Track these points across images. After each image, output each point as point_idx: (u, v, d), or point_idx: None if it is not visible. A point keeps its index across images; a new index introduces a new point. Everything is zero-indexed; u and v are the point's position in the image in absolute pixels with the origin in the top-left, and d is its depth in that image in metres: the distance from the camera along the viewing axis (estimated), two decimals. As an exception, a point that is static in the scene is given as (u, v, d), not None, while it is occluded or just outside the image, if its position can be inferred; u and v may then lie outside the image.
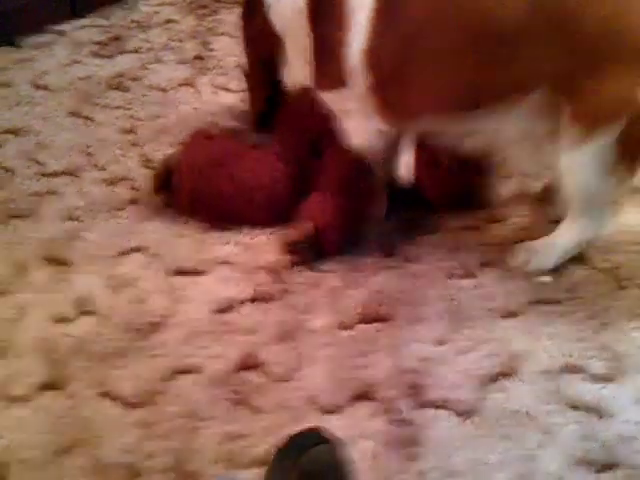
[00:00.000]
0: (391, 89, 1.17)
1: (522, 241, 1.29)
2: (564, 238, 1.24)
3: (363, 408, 1.05)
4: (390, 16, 1.11)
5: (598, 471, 0.97)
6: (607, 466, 0.98)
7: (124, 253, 1.30)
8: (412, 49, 1.12)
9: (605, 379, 1.09)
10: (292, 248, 1.26)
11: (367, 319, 1.18)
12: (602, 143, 1.07)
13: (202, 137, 1.42)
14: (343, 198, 1.26)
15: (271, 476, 0.75)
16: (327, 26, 1.16)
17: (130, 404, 1.05)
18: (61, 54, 1.94)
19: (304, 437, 0.76)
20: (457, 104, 1.16)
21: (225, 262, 1.28)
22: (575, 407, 1.05)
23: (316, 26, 1.17)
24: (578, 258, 1.28)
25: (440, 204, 1.36)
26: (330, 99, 1.25)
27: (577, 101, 1.07)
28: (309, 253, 1.26)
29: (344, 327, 1.16)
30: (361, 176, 1.27)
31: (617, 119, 1.05)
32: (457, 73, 1.12)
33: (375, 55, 1.14)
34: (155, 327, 1.16)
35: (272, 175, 1.33)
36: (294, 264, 1.27)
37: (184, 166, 1.34)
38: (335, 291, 1.23)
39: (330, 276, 1.26)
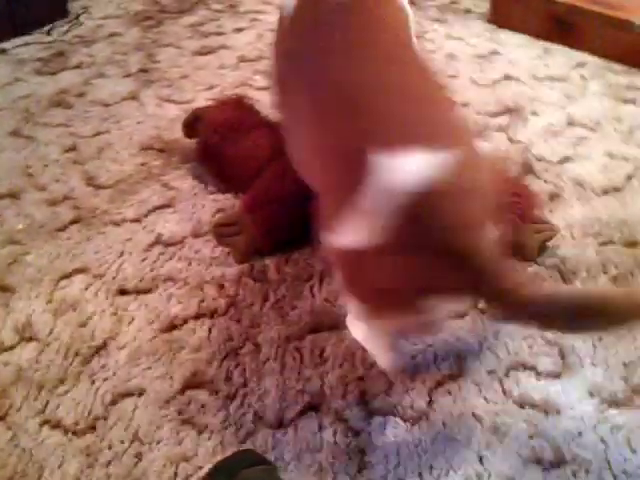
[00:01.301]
0: None
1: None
2: None
3: (311, 420, 1.03)
4: None
5: (546, 469, 0.97)
6: (556, 463, 0.98)
7: (66, 276, 1.27)
8: None
9: (552, 375, 1.09)
10: (218, 230, 1.31)
11: (315, 329, 1.17)
12: None
13: (232, 102, 1.56)
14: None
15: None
16: None
17: (72, 432, 1.02)
18: (2, 73, 1.90)
19: (234, 460, 0.74)
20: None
21: (169, 279, 1.25)
22: (523, 405, 1.05)
23: None
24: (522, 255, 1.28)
25: None
26: None
27: None
28: (238, 239, 1.29)
29: (292, 339, 1.15)
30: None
31: None
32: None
33: None
34: (97, 350, 1.13)
35: (270, 149, 1.39)
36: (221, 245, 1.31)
37: (206, 120, 1.48)
38: (283, 302, 1.21)
39: (277, 287, 1.24)
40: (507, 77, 1.88)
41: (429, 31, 2.13)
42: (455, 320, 1.17)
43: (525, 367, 1.10)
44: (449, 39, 2.09)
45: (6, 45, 2.03)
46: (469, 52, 2.02)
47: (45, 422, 1.03)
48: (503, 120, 1.69)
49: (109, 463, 0.98)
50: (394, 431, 1.01)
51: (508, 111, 1.73)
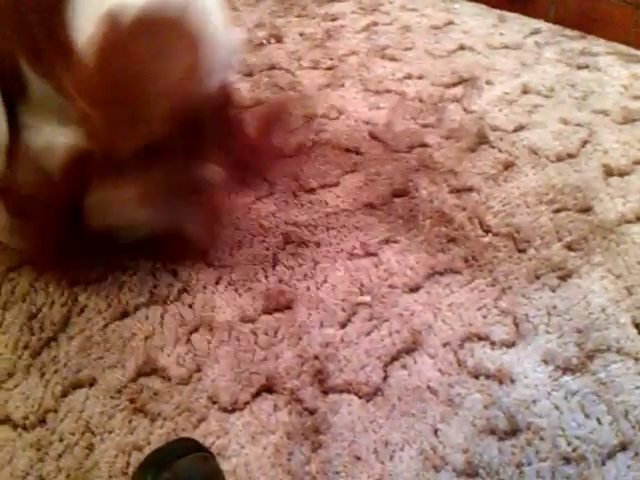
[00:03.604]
0: None
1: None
2: None
3: (266, 402, 1.02)
4: None
5: (502, 439, 0.97)
6: (510, 432, 0.98)
7: (14, 268, 1.24)
8: None
9: (506, 345, 1.09)
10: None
11: (269, 310, 1.15)
12: None
13: None
14: None
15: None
16: None
17: (22, 426, 1.00)
18: None
19: (168, 450, 0.73)
20: None
21: (120, 267, 1.23)
22: (477, 376, 1.05)
23: None
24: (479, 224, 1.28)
25: None
26: None
27: None
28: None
29: (245, 321, 1.14)
30: None
31: None
32: None
33: None
34: (47, 342, 1.11)
35: None
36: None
37: None
38: (236, 285, 1.20)
39: (231, 270, 1.22)
40: (462, 47, 1.87)
41: (384, 3, 2.10)
42: (409, 293, 1.17)
43: (479, 337, 1.10)
44: (404, 11, 2.07)
45: None
46: (424, 23, 2.00)
47: (-7, 418, 1.01)
48: (458, 91, 1.68)
49: (60, 456, 0.96)
50: (349, 408, 1.01)
51: (463, 81, 1.72)
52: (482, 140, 1.51)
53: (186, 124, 0.93)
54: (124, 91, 0.90)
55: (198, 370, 1.07)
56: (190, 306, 1.16)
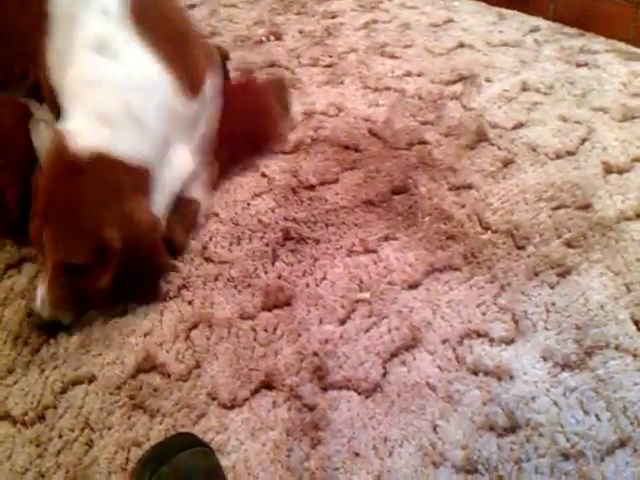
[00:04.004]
0: None
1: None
2: None
3: (265, 398, 1.02)
4: None
5: (501, 435, 0.97)
6: (510, 429, 0.98)
7: (14, 265, 1.24)
8: None
9: (505, 342, 1.09)
10: None
11: (268, 306, 1.15)
12: None
13: None
14: None
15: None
16: None
17: (21, 422, 1.00)
18: None
19: (167, 445, 0.73)
20: None
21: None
22: (476, 372, 1.05)
23: None
24: (478, 221, 1.28)
25: None
26: None
27: None
28: None
29: (245, 317, 1.14)
30: None
31: None
32: None
33: None
34: (47, 339, 1.11)
35: None
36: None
37: None
38: (235, 281, 1.20)
39: (230, 267, 1.22)
40: (461, 45, 1.86)
41: (383, 1, 2.10)
42: (408, 290, 1.17)
43: (479, 334, 1.10)
44: (403, 8, 2.07)
45: None
46: (424, 21, 1.99)
47: (-6, 414, 1.01)
48: (457, 88, 1.68)
49: (59, 452, 0.96)
50: (348, 405, 1.01)
51: (462, 79, 1.71)
52: (481, 137, 1.51)
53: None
54: (66, 215, 1.04)
55: (197, 366, 1.07)
56: (189, 302, 1.16)
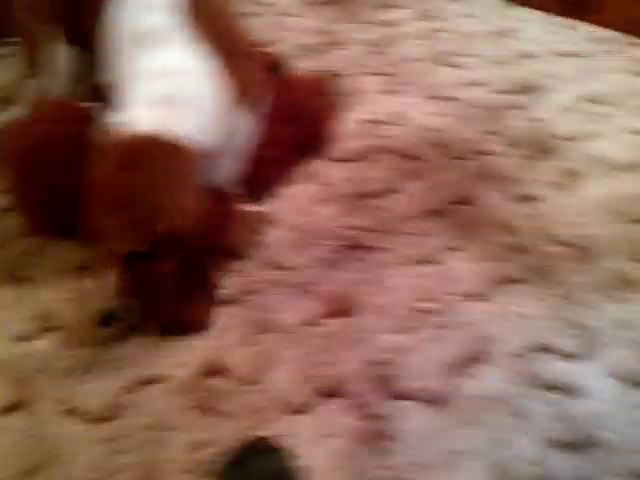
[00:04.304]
0: None
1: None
2: None
3: (332, 405, 1.03)
4: None
5: (572, 453, 0.96)
6: (580, 447, 0.97)
7: (85, 266, 1.27)
8: None
9: (574, 357, 1.08)
10: None
11: (332, 314, 1.16)
12: None
13: None
14: None
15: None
16: None
17: (96, 419, 1.03)
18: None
19: (245, 448, 0.74)
20: None
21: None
22: (547, 387, 1.04)
23: None
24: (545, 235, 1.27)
25: None
26: None
27: None
28: None
29: (309, 324, 1.14)
30: None
31: None
32: None
33: None
34: (118, 338, 1.13)
35: None
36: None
37: None
38: (299, 288, 1.21)
39: (293, 273, 1.23)
40: (524, 55, 1.85)
41: (444, 9, 2.09)
42: (474, 302, 1.16)
43: (548, 349, 1.09)
44: (464, 17, 2.06)
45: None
46: (485, 30, 1.98)
47: (67, 411, 1.04)
48: (521, 98, 1.66)
49: (132, 450, 0.98)
50: (415, 416, 1.01)
51: (526, 89, 1.70)
52: (547, 149, 1.49)
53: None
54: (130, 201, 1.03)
55: (264, 371, 1.08)
56: (254, 307, 1.17)
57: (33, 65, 1.42)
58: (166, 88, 1.10)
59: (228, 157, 1.23)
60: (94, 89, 1.46)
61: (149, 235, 1.03)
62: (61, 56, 1.40)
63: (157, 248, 1.04)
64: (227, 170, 1.24)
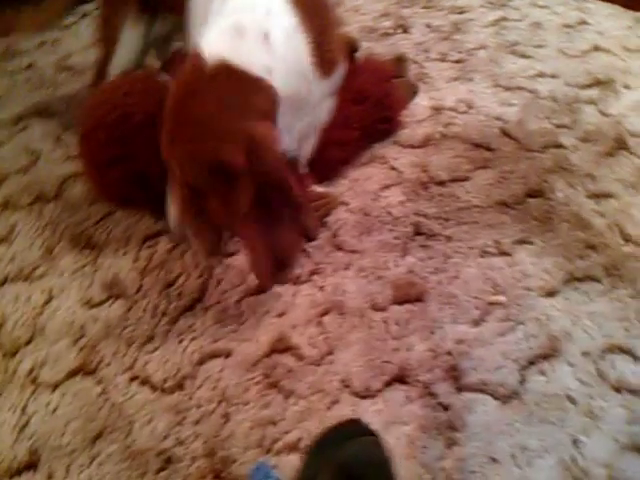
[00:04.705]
0: None
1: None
2: None
3: (398, 392, 1.02)
4: None
5: (647, 457, 0.93)
6: (657, 452, 0.94)
7: (152, 235, 1.28)
8: None
9: (650, 360, 1.04)
10: None
11: (399, 300, 1.14)
12: None
13: None
14: None
15: (307, 468, 0.71)
16: None
17: (161, 389, 1.03)
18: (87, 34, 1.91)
19: (343, 429, 0.73)
20: None
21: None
22: (619, 390, 1.01)
23: None
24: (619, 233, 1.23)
25: None
26: None
27: None
28: None
29: (376, 309, 1.13)
30: None
31: None
32: None
33: None
34: (184, 311, 1.14)
35: None
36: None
37: None
38: (366, 272, 1.19)
39: (360, 257, 1.22)
40: (597, 48, 1.79)
41: (514, -1, 2.04)
42: (546, 297, 1.13)
43: (621, 350, 1.06)
44: (534, 7, 2.00)
45: (88, 7, 2.04)
46: (556, 21, 1.92)
47: (134, 378, 1.05)
48: (593, 92, 1.61)
49: (197, 422, 0.99)
50: (484, 409, 0.99)
51: (599, 83, 1.64)
52: (621, 145, 1.44)
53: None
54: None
55: (330, 352, 1.07)
56: (321, 288, 1.17)
57: (108, 35, 1.42)
58: (247, 21, 1.03)
59: (305, 129, 1.19)
60: (167, 62, 1.46)
61: (205, 169, 0.98)
62: (136, 27, 1.40)
63: (216, 182, 0.98)
64: (302, 143, 1.21)
